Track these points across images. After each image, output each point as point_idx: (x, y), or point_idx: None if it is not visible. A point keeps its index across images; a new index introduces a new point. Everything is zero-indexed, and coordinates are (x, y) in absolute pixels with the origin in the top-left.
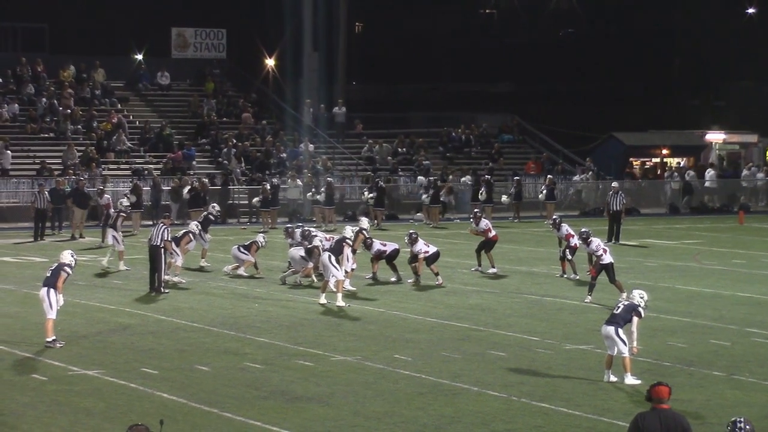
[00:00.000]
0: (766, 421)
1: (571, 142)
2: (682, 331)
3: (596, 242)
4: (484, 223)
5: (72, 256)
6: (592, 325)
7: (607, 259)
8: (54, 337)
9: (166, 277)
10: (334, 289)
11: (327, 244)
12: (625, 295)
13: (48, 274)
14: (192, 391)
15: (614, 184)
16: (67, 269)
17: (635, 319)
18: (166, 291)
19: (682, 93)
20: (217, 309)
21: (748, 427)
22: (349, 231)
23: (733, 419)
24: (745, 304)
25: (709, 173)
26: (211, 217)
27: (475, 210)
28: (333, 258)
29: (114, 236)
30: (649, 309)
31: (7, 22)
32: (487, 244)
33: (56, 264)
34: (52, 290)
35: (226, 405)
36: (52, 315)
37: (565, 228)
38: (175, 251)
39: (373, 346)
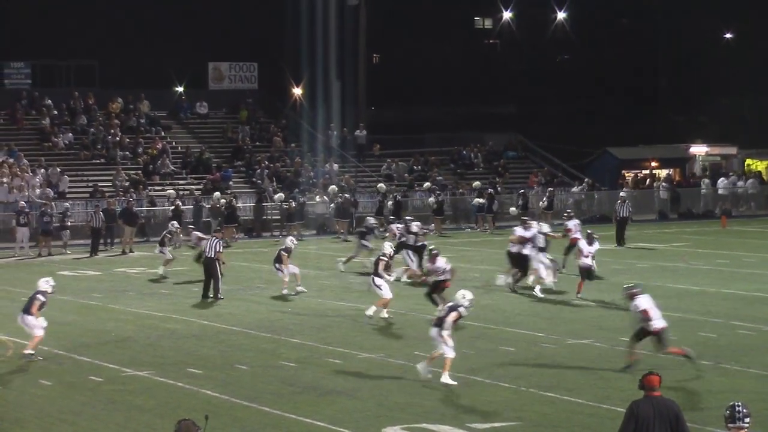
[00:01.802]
0: (752, 405)
1: (569, 157)
2: (673, 326)
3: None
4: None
5: (47, 282)
6: (591, 322)
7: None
8: (33, 352)
9: (284, 292)
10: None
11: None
12: None
13: (27, 301)
14: (233, 388)
15: (622, 193)
16: (41, 297)
17: (452, 313)
18: (221, 297)
19: (668, 110)
20: (253, 314)
21: (745, 410)
22: (387, 247)
23: (731, 403)
24: (729, 300)
25: (722, 182)
26: (365, 228)
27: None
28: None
29: (161, 251)
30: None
31: (61, 61)
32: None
33: (34, 291)
34: (26, 316)
35: (263, 400)
36: (39, 332)
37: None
38: (281, 269)
39: (395, 344)
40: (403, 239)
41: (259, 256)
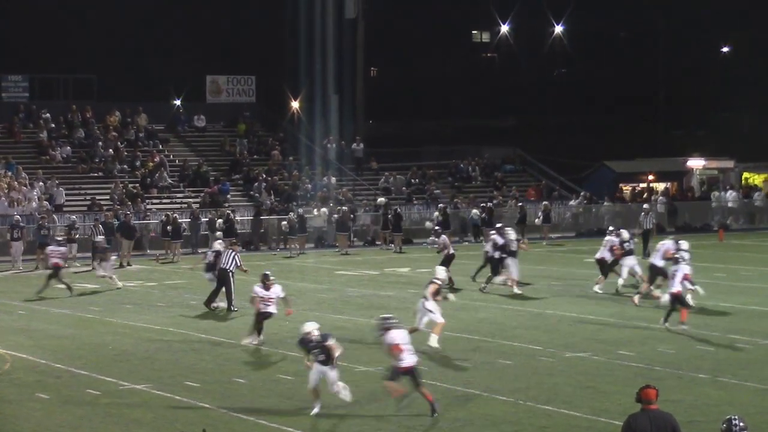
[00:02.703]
0: (749, 419)
1: (567, 171)
2: (671, 339)
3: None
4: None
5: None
6: (589, 335)
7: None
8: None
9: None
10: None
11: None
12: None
13: None
14: (231, 402)
15: (645, 206)
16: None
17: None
18: (235, 309)
19: (666, 124)
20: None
21: (741, 424)
22: (442, 272)
23: (728, 417)
24: (726, 313)
25: (731, 194)
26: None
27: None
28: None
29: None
30: (640, 318)
31: (59, 74)
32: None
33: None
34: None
35: (261, 413)
36: None
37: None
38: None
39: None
40: (503, 246)
41: (258, 270)
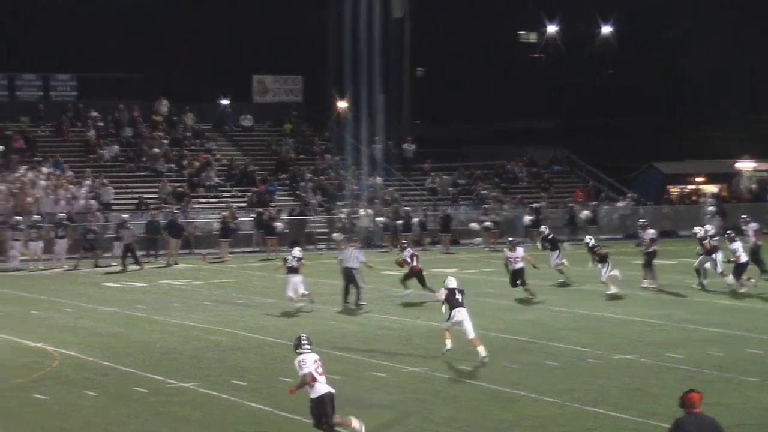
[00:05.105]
0: None
1: (615, 172)
2: (719, 342)
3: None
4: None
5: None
6: (637, 337)
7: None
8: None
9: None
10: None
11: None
12: None
13: None
14: (277, 401)
15: (710, 207)
16: None
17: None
18: (364, 303)
19: (715, 125)
20: (297, 327)
21: None
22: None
23: None
24: None
25: None
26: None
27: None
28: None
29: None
30: (688, 320)
31: (107, 73)
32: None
33: None
34: None
35: (307, 413)
36: None
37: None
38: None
39: (439, 358)
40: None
41: (304, 269)
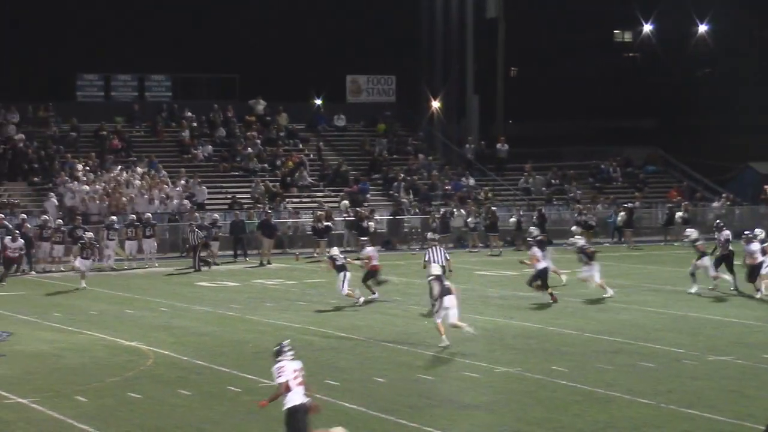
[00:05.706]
0: None
1: (711, 172)
2: None
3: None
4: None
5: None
6: (734, 338)
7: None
8: None
9: None
10: None
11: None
12: None
13: None
14: (370, 401)
15: None
16: None
17: None
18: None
19: None
20: (391, 326)
21: None
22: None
23: None
24: None
25: None
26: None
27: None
28: None
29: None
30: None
31: (201, 74)
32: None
33: None
34: None
35: (401, 413)
36: None
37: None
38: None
39: (533, 358)
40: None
41: (396, 269)
